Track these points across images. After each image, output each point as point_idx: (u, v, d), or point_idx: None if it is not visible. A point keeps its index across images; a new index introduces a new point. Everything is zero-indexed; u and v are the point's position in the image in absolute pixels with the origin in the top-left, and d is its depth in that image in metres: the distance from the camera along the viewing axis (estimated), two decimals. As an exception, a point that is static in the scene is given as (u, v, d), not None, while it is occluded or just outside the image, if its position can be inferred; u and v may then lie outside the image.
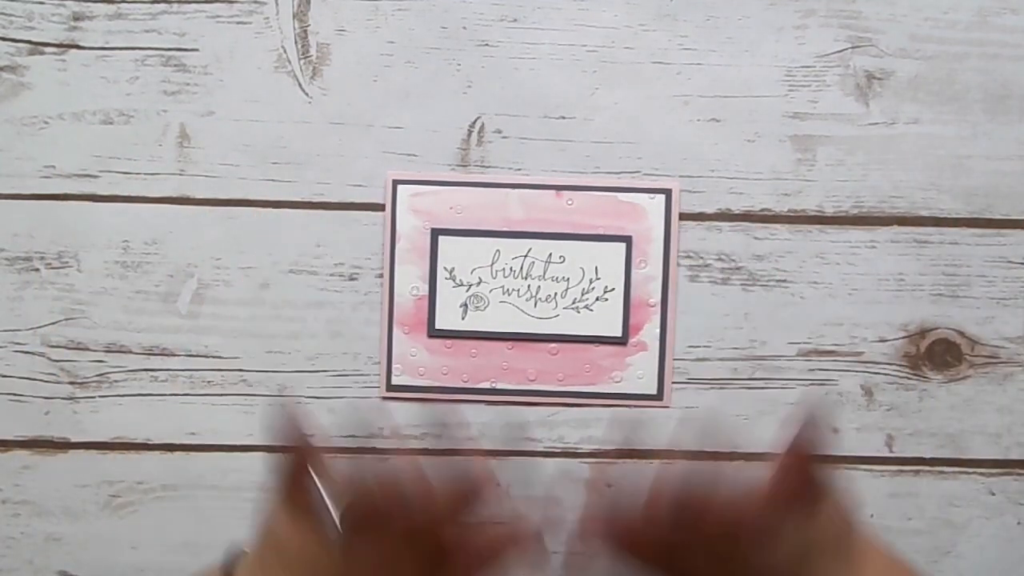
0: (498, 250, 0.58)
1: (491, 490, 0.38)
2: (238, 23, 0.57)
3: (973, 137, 0.58)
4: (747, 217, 0.58)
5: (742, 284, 0.59)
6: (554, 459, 0.60)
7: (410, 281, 0.58)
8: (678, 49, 0.57)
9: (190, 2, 0.57)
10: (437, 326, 0.58)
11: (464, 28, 0.57)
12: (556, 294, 0.58)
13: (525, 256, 0.58)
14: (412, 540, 0.37)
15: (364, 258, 0.59)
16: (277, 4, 0.57)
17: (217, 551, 0.60)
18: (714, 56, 0.57)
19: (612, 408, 0.59)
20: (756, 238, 0.58)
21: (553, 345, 0.59)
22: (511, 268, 0.58)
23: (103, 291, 0.58)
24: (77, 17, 0.57)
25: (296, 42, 0.57)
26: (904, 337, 0.59)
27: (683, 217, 0.58)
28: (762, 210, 0.58)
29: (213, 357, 0.59)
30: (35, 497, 0.60)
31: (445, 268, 0.58)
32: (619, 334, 0.58)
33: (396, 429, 0.59)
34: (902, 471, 0.60)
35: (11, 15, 0.57)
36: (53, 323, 0.58)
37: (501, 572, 0.38)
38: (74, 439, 0.59)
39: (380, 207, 0.58)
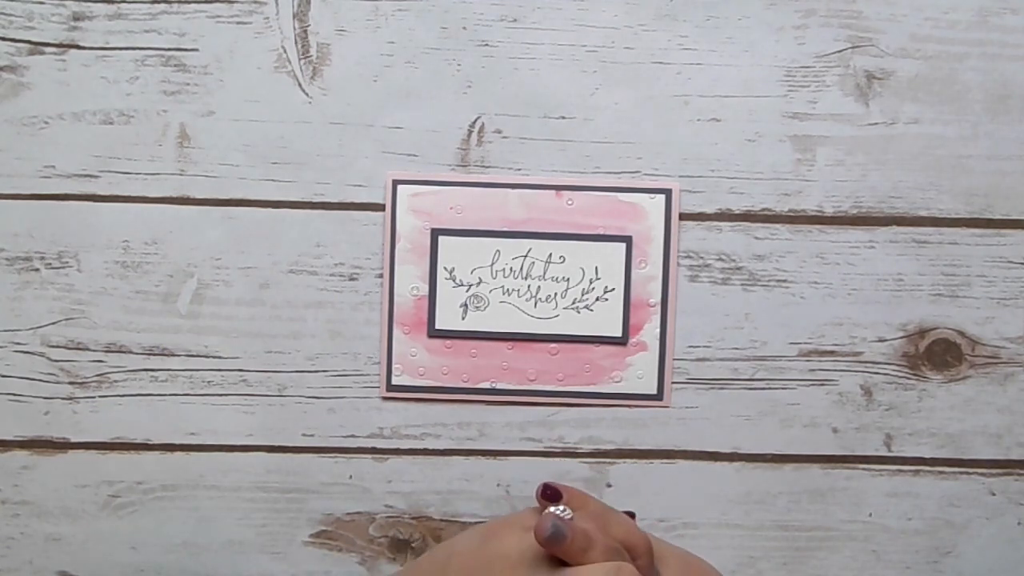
0: (498, 250, 0.58)
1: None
2: (238, 23, 0.57)
3: (973, 137, 0.58)
4: (747, 217, 0.58)
5: (742, 284, 0.59)
6: (554, 459, 0.60)
7: (410, 281, 0.58)
8: (678, 49, 0.57)
9: (190, 2, 0.57)
10: (437, 326, 0.58)
11: (464, 28, 0.57)
12: (556, 294, 0.58)
13: (525, 256, 0.58)
14: None
15: (364, 258, 0.59)
16: (277, 4, 0.57)
17: (217, 551, 0.61)
18: (714, 56, 0.57)
19: (612, 408, 0.59)
20: (756, 238, 0.58)
21: (553, 345, 0.59)
22: (511, 268, 0.58)
23: (103, 291, 0.58)
24: (77, 17, 0.57)
25: (296, 42, 0.57)
26: (903, 337, 0.59)
27: (683, 217, 0.58)
28: (762, 210, 0.58)
29: (213, 357, 0.59)
30: (35, 497, 0.60)
31: (445, 268, 0.58)
32: (619, 334, 0.58)
33: (396, 429, 0.60)
34: (902, 471, 0.60)
35: (11, 15, 0.57)
36: (53, 323, 0.58)
37: None
38: (74, 439, 0.59)
39: (380, 207, 0.58)
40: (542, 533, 0.40)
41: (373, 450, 0.60)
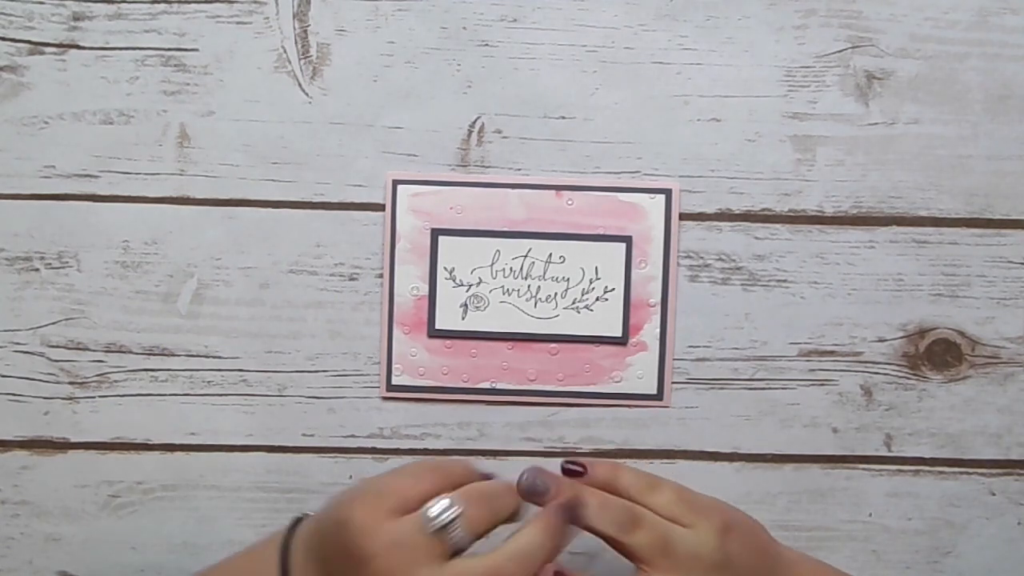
0: (498, 250, 0.58)
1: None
2: (238, 23, 0.57)
3: (973, 137, 0.58)
4: (747, 217, 0.58)
5: (742, 284, 0.59)
6: (554, 459, 0.59)
7: (410, 281, 0.58)
8: (678, 49, 0.57)
9: (190, 2, 0.57)
10: (437, 326, 0.58)
11: (464, 28, 0.57)
12: (556, 294, 0.58)
13: (525, 256, 0.58)
14: None
15: (364, 258, 0.59)
16: (277, 4, 0.57)
17: (217, 551, 0.60)
18: (714, 56, 0.57)
19: (612, 408, 0.59)
20: (756, 238, 0.58)
21: (553, 345, 0.59)
22: (511, 268, 0.58)
23: (103, 291, 0.58)
24: (77, 17, 0.57)
25: (296, 42, 0.57)
26: (903, 337, 0.59)
27: (683, 217, 0.58)
28: (762, 210, 0.58)
29: (213, 357, 0.59)
30: (34, 497, 0.60)
31: (445, 268, 0.58)
32: (619, 334, 0.58)
33: (396, 429, 0.59)
34: (902, 471, 0.60)
35: (11, 15, 0.57)
36: (53, 323, 0.58)
37: None
38: (74, 439, 0.59)
39: (380, 207, 0.58)
40: (521, 485, 0.45)
41: (373, 450, 0.60)
